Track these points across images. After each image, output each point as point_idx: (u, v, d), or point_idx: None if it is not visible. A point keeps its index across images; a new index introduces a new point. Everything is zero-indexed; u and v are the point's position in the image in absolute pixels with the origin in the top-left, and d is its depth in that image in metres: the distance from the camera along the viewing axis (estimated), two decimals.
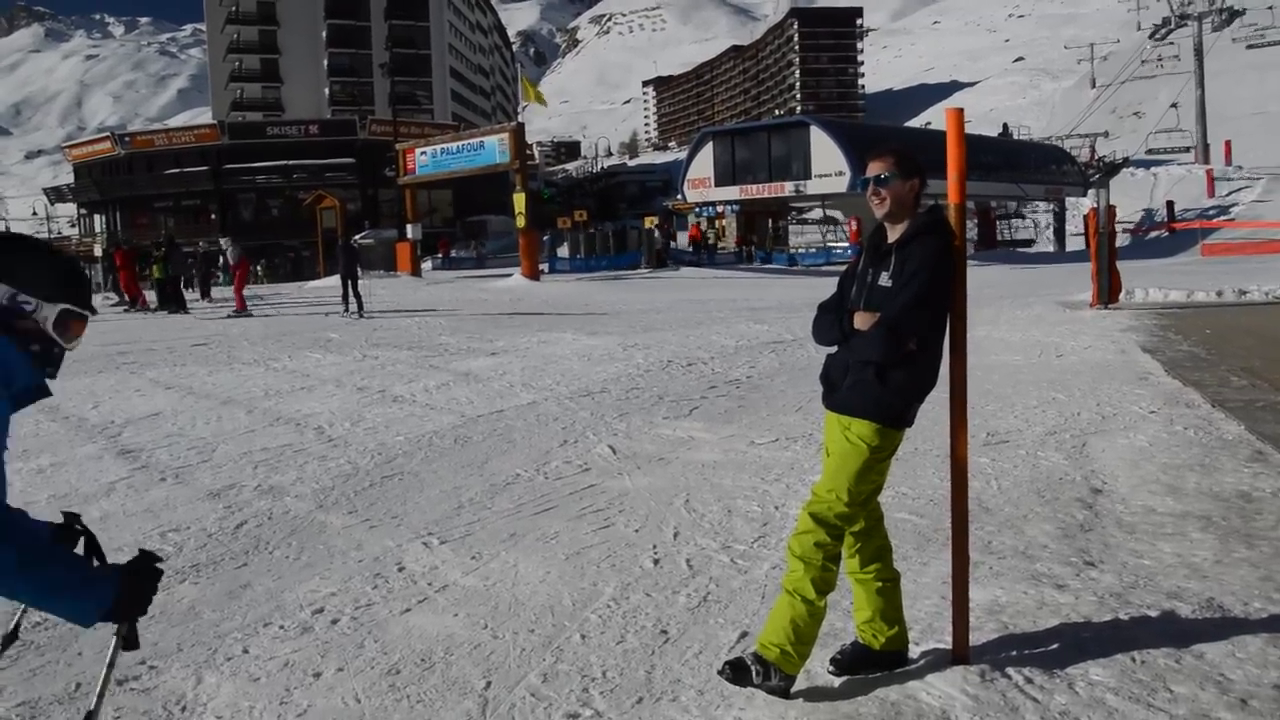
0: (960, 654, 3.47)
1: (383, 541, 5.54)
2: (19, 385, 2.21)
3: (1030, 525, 5.26)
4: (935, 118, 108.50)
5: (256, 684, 3.87)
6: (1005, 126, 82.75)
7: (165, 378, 12.01)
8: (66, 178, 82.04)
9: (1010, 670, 3.41)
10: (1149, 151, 70.57)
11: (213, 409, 9.73)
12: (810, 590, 3.27)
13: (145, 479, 7.11)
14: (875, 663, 3.51)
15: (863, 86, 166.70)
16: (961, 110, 3.46)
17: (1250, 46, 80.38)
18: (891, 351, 3.21)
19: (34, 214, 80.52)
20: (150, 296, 26.72)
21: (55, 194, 76.34)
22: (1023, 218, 63.65)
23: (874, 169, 3.37)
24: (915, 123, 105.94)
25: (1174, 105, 70.78)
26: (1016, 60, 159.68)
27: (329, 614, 4.52)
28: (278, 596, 4.78)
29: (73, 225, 76.72)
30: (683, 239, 51.46)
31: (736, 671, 3.33)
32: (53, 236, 70.27)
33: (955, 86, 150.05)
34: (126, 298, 27.02)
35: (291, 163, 65.58)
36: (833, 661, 3.56)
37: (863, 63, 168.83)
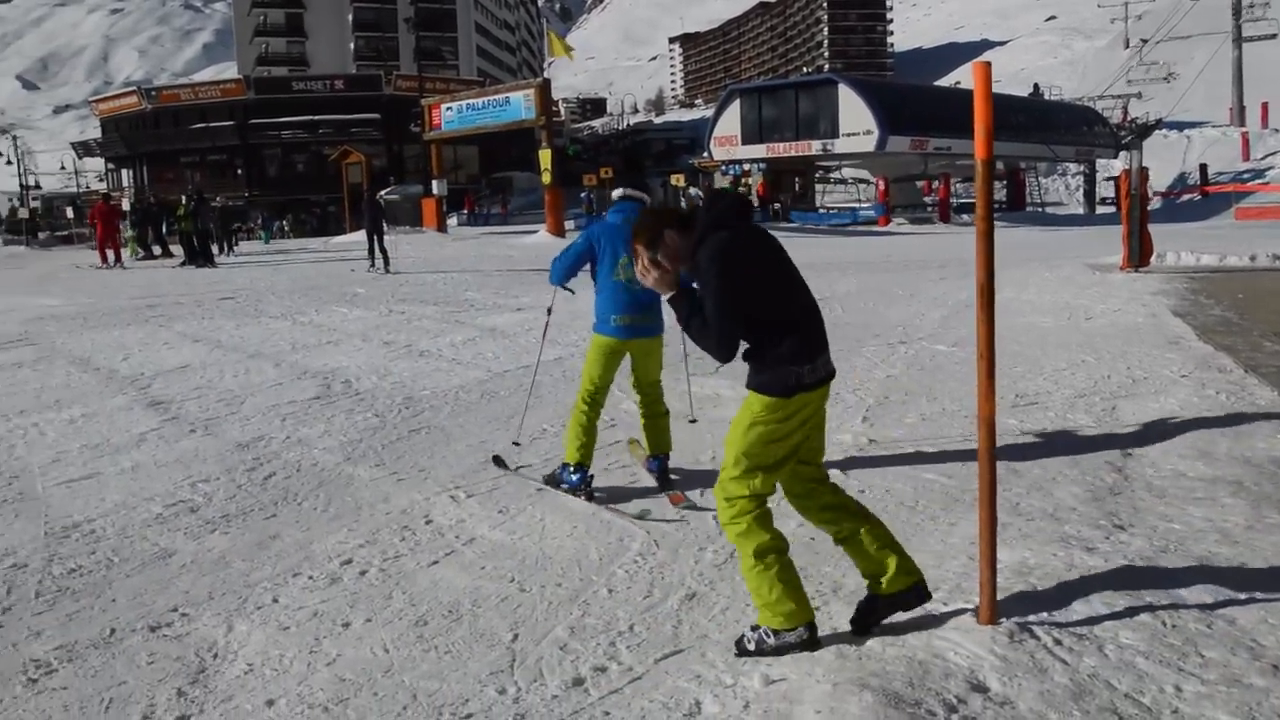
0: (988, 615, 3.46)
1: (410, 494, 5.57)
2: None
3: (1059, 487, 5.23)
4: (964, 77, 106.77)
5: (286, 633, 3.91)
6: (1036, 87, 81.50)
7: (193, 330, 12.09)
8: (94, 132, 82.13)
9: (1039, 631, 3.40)
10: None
11: (241, 362, 9.79)
12: (749, 550, 3.47)
13: (175, 430, 7.17)
14: (888, 607, 3.57)
15: (891, 45, 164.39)
16: (989, 64, 3.39)
17: None
18: (722, 358, 3.44)
19: (62, 168, 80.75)
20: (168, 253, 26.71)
21: (83, 148, 76.56)
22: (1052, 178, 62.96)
23: (642, 258, 3.57)
24: (944, 82, 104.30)
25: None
26: (1049, 19, 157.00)
27: (357, 565, 4.56)
28: (306, 547, 4.82)
29: (100, 180, 76.94)
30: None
31: (740, 648, 3.52)
32: (82, 191, 70.46)
33: (985, 45, 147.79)
34: (99, 255, 26.57)
35: (317, 118, 65.52)
36: (852, 622, 3.61)
37: (892, 20, 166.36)
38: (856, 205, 48.43)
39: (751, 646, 3.47)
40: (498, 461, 6.10)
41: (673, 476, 5.67)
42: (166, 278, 21.50)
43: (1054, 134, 54.95)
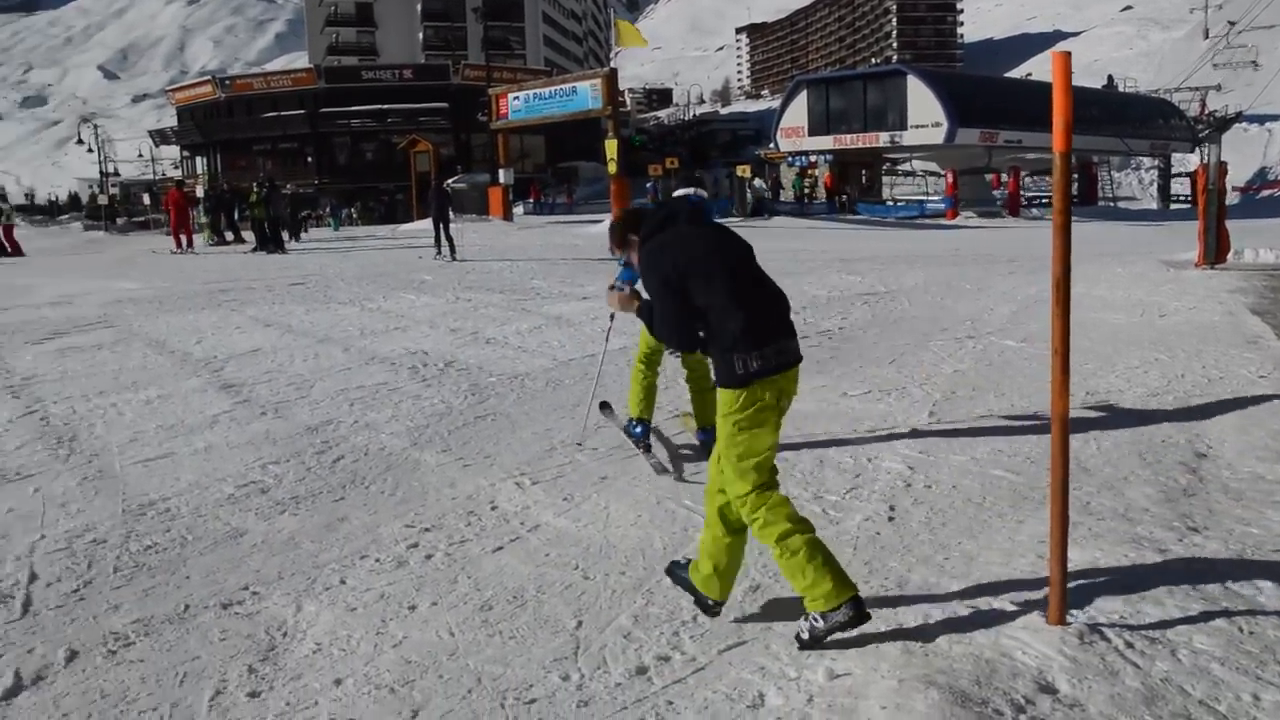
0: (1057, 615, 3.41)
1: (476, 480, 5.62)
2: None
3: (1131, 487, 5.14)
4: (1036, 68, 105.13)
5: (354, 614, 3.97)
6: (1110, 79, 79.90)
7: (264, 315, 12.30)
8: (170, 121, 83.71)
9: (1109, 633, 3.34)
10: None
11: (310, 346, 9.94)
12: (772, 540, 3.52)
13: (246, 413, 7.31)
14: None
15: (961, 35, 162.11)
16: (1069, 55, 3.32)
17: None
18: (682, 347, 3.79)
19: (139, 155, 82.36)
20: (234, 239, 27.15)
21: (159, 136, 78.07)
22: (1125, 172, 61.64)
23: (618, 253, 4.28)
24: (1015, 73, 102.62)
25: None
26: (1125, 9, 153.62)
27: (423, 549, 4.62)
28: (374, 530, 4.89)
29: (176, 167, 78.47)
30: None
31: (800, 641, 3.50)
32: (158, 178, 71.93)
33: (1058, 36, 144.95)
34: (173, 240, 27.17)
35: (386, 107, 66.08)
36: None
37: (962, 10, 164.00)
38: (924, 198, 47.84)
39: (806, 636, 3.46)
40: (604, 407, 6.64)
41: (646, 446, 6.02)
42: (238, 263, 21.88)
43: (1128, 127, 53.76)
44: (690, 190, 6.10)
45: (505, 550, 4.57)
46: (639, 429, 6.03)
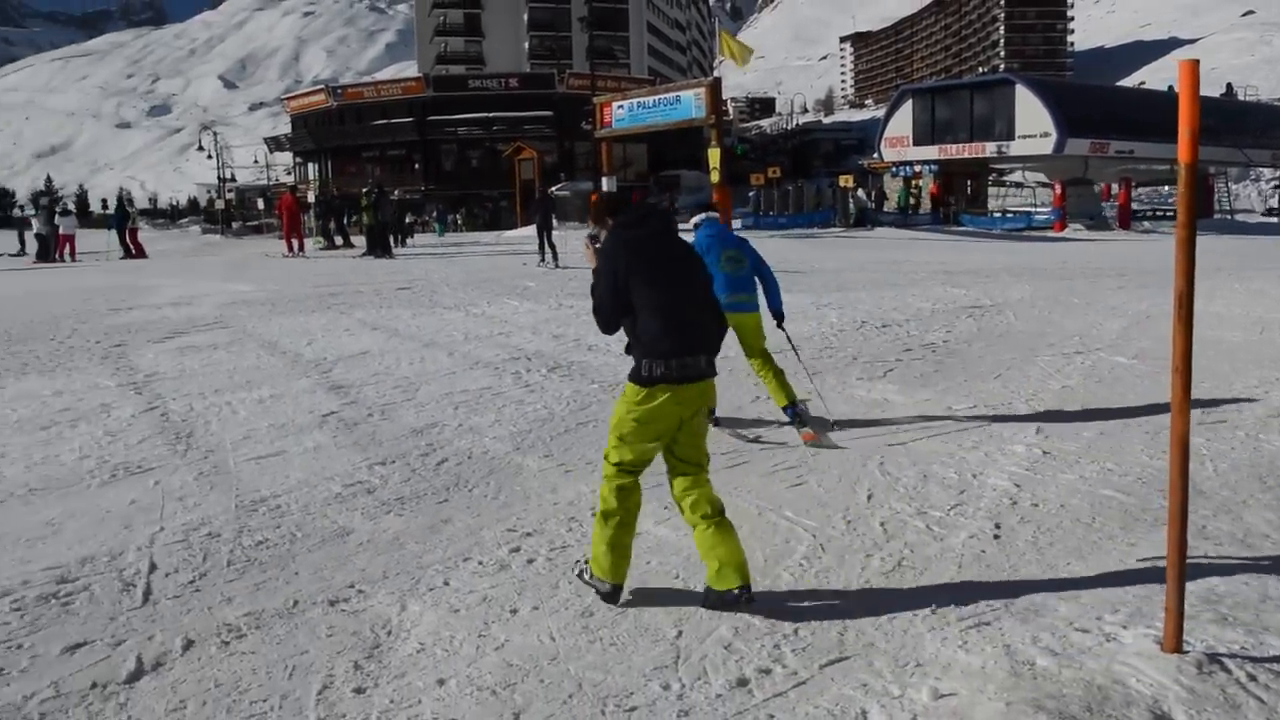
0: (1173, 642, 3.30)
1: (577, 486, 5.66)
2: None
3: (1250, 512, 4.96)
4: (1150, 77, 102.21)
5: (456, 615, 4.03)
6: (1229, 87, 77.27)
7: (372, 319, 12.56)
8: (284, 128, 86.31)
9: (1230, 664, 3.22)
10: None
11: (416, 350, 10.12)
12: (599, 504, 4.14)
13: (354, 414, 7.47)
14: (718, 602, 3.96)
15: (1071, 44, 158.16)
16: (1196, 62, 3.22)
17: None
18: (603, 329, 4.12)
19: (255, 162, 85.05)
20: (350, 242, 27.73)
21: (274, 143, 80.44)
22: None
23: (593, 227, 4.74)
24: (1128, 82, 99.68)
25: None
26: (1245, 14, 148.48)
27: (525, 553, 4.67)
28: (477, 533, 4.95)
29: (288, 173, 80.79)
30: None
31: (577, 567, 4.35)
32: (271, 184, 74.12)
33: (1174, 44, 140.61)
34: (285, 244, 27.83)
35: (492, 115, 67.12)
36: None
37: (1073, 18, 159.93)
38: (1032, 209, 46.75)
39: (576, 570, 4.31)
40: (716, 421, 6.73)
41: (800, 421, 6.67)
42: (347, 267, 22.39)
43: (1248, 137, 51.80)
44: (711, 214, 7.02)
45: None
46: (792, 411, 6.66)
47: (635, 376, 3.97)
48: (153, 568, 4.56)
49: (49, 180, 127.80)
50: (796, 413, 6.66)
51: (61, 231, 28.85)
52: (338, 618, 4.03)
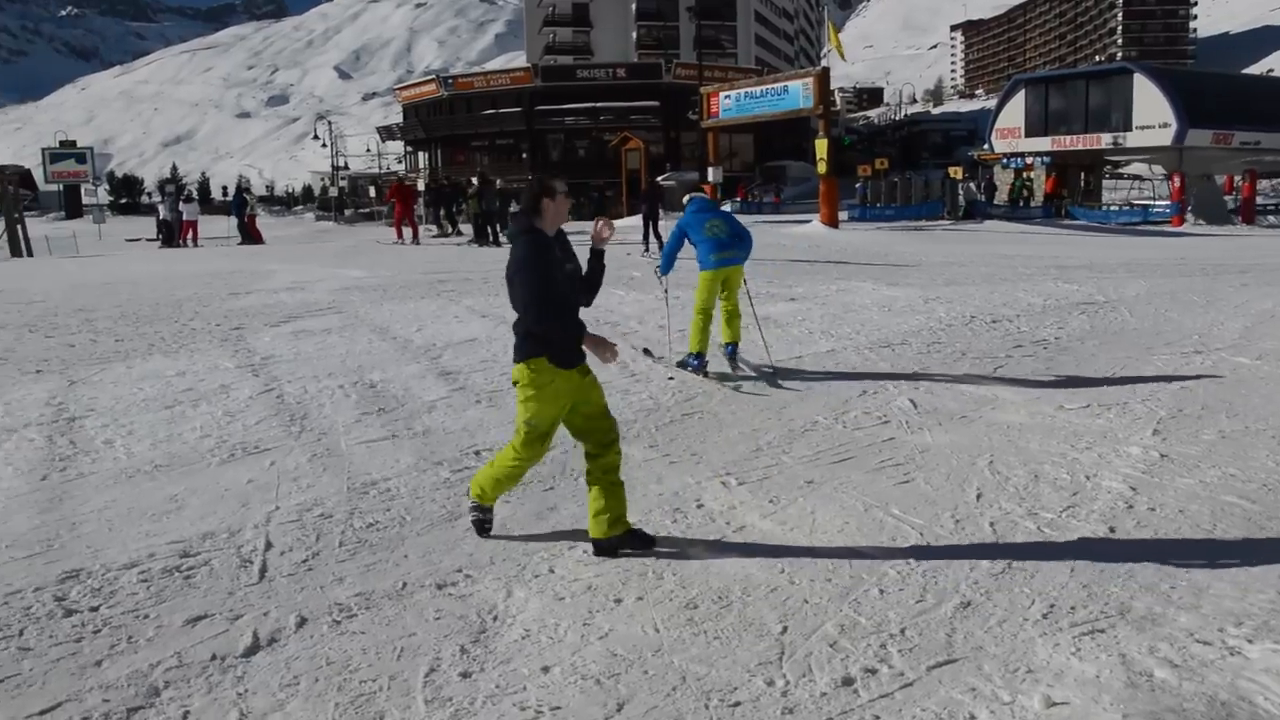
0: None
1: (682, 478, 5.66)
2: None
3: None
4: (1279, 64, 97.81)
5: (561, 603, 4.06)
6: None
7: (480, 306, 12.72)
8: (396, 117, 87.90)
9: None
10: None
11: None
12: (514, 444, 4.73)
13: (462, 400, 7.59)
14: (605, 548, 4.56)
15: (1194, 30, 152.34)
16: None
17: None
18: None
19: (367, 150, 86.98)
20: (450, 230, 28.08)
21: (386, 132, 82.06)
22: None
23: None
24: (1255, 69, 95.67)
25: None
26: None
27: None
28: (581, 521, 4.97)
29: (399, 161, 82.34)
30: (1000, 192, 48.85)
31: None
32: (383, 172, 75.68)
33: None
34: (395, 231, 28.30)
35: (599, 105, 67.41)
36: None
37: (1195, 3, 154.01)
38: (1149, 203, 45.22)
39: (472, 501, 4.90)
40: (647, 353, 9.09)
41: (740, 363, 8.55)
42: (455, 255, 22.72)
43: None
44: (698, 194, 9.17)
45: (711, 549, 4.59)
46: (696, 361, 8.41)
47: (519, 353, 4.91)
48: (269, 545, 4.70)
49: (174, 168, 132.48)
50: (729, 355, 8.58)
51: (185, 217, 29.90)
52: (445, 601, 4.11)
